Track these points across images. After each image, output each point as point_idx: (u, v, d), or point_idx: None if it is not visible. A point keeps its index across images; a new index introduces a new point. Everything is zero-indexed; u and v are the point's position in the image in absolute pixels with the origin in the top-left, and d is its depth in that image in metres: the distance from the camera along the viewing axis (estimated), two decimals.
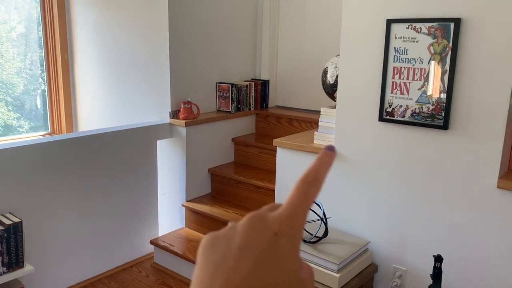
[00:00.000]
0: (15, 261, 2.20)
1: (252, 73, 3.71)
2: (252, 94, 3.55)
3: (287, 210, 0.32)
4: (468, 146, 1.93)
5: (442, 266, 1.87)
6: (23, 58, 3.72)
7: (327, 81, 2.50)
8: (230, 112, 3.36)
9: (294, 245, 0.31)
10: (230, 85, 3.33)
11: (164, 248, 2.91)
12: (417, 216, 2.11)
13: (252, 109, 3.57)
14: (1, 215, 2.26)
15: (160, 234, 3.20)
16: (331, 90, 2.48)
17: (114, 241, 2.93)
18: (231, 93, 3.34)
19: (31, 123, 3.77)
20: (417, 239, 2.13)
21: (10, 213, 2.30)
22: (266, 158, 3.27)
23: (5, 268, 2.17)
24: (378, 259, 2.27)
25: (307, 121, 3.28)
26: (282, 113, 3.44)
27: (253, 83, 3.55)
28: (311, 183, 0.33)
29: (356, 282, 2.10)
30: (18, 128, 3.70)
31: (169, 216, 3.25)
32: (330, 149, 0.36)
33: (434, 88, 1.98)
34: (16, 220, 2.20)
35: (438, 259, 1.79)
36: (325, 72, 2.53)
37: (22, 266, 2.23)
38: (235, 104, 3.39)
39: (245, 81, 3.59)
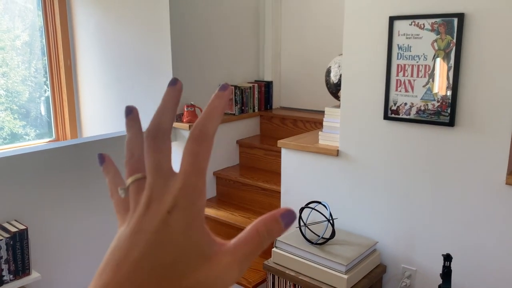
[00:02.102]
0: (22, 269, 2.19)
1: (255, 75, 3.70)
2: (256, 95, 3.53)
3: (179, 181, 0.29)
4: (475, 143, 1.90)
5: (451, 265, 1.84)
6: (28, 66, 3.74)
7: (331, 81, 2.48)
8: (234, 114, 3.35)
9: (191, 218, 0.29)
10: (233, 87, 3.32)
11: None
12: (425, 214, 2.08)
13: (256, 110, 3.55)
14: (7, 222, 2.26)
15: None
16: (335, 89, 2.45)
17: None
18: (235, 95, 3.33)
19: (37, 131, 3.78)
20: (425, 238, 2.10)
21: (15, 220, 2.29)
22: (271, 160, 3.25)
23: (11, 276, 2.16)
24: (386, 260, 2.24)
25: (311, 122, 3.26)
26: (286, 114, 3.42)
27: (257, 84, 3.54)
28: (199, 140, 0.30)
29: (364, 283, 2.08)
30: (24, 136, 3.71)
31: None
32: (223, 88, 0.32)
33: (439, 85, 1.95)
34: (22, 227, 2.20)
35: (448, 258, 1.76)
36: (328, 72, 2.51)
37: (29, 273, 2.23)
38: (239, 106, 3.38)
39: (248, 82, 3.58)
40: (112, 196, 0.35)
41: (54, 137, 3.80)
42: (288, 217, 0.29)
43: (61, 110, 3.79)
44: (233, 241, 0.30)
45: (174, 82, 0.33)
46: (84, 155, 2.65)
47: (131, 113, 0.36)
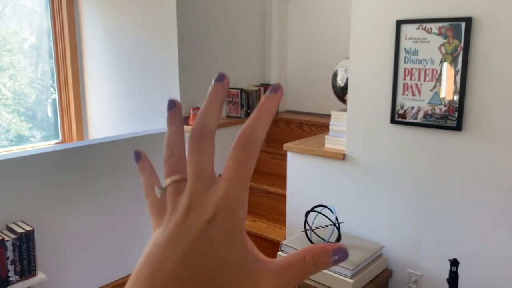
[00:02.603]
0: (28, 270, 2.20)
1: (261, 78, 3.70)
2: (262, 99, 3.53)
3: (221, 189, 0.28)
4: (482, 147, 1.89)
5: (458, 270, 1.82)
6: (35, 68, 3.76)
7: (337, 84, 2.48)
8: (239, 117, 3.35)
9: (231, 229, 0.27)
10: (239, 90, 3.32)
11: None
12: (432, 219, 2.07)
13: None
14: (13, 223, 2.26)
15: None
16: (341, 93, 2.45)
17: (126, 249, 2.93)
18: (241, 98, 3.33)
19: (43, 133, 3.80)
20: (432, 243, 2.09)
21: (22, 221, 2.30)
22: (276, 163, 3.25)
23: (17, 277, 2.17)
24: (392, 264, 2.23)
25: (317, 125, 3.26)
26: (292, 118, 3.42)
27: (263, 87, 3.54)
28: (246, 148, 0.28)
29: None
30: (31, 138, 3.73)
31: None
32: (274, 89, 0.30)
33: (447, 89, 1.94)
34: (28, 228, 2.20)
35: (454, 263, 1.75)
36: (335, 75, 2.51)
37: (35, 274, 2.23)
38: (244, 109, 3.38)
39: (254, 86, 3.58)
40: (147, 196, 0.34)
41: (60, 139, 3.81)
42: (340, 253, 0.28)
43: (67, 112, 3.81)
44: (278, 262, 0.28)
45: (220, 78, 0.31)
46: (90, 157, 2.66)
47: (173, 107, 0.34)
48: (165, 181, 0.31)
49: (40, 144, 3.70)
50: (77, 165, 2.60)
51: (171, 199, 0.30)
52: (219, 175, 0.29)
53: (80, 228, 2.66)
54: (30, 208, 2.39)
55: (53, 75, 3.77)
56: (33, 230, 2.21)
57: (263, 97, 0.30)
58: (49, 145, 3.66)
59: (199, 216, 0.27)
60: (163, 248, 0.27)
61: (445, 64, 1.94)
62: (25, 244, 2.18)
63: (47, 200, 2.46)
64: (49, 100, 3.83)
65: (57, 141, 3.80)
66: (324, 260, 0.28)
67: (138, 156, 0.37)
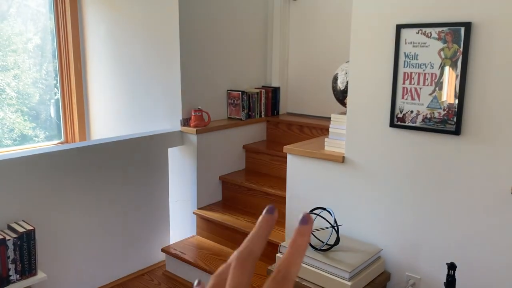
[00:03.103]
0: (28, 269, 2.22)
1: (262, 80, 3.72)
2: (263, 101, 3.55)
3: None
4: (481, 152, 1.89)
5: (456, 274, 1.83)
6: (39, 68, 3.79)
7: (338, 87, 2.49)
8: (241, 119, 3.37)
9: None
10: (240, 92, 3.34)
11: (176, 256, 2.91)
12: (430, 223, 2.08)
13: (263, 116, 3.57)
14: (15, 222, 2.29)
15: (171, 242, 3.21)
16: (341, 96, 2.46)
17: (126, 249, 2.95)
18: (242, 101, 3.35)
19: (47, 133, 3.83)
20: (430, 246, 2.09)
21: (23, 220, 2.32)
22: (277, 165, 3.26)
23: (18, 276, 2.19)
24: (391, 267, 2.24)
25: (318, 128, 3.27)
26: (293, 120, 3.43)
27: (264, 90, 3.56)
28: (281, 283, 0.30)
29: None
30: (34, 138, 3.75)
31: (181, 224, 3.26)
32: (304, 221, 0.33)
33: (446, 93, 1.95)
34: (29, 227, 2.23)
35: (452, 266, 1.76)
36: (335, 79, 2.52)
37: (35, 274, 2.25)
38: (245, 111, 3.40)
39: (255, 88, 3.60)
40: None
41: (63, 139, 3.84)
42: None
43: (70, 112, 3.84)
44: None
45: (271, 211, 0.34)
46: (92, 158, 2.68)
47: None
48: None
49: (43, 144, 3.73)
50: (79, 165, 2.62)
51: None
52: None
53: (81, 228, 2.68)
54: (31, 207, 2.41)
55: (56, 75, 3.80)
56: (34, 230, 2.22)
57: (295, 231, 0.32)
58: (51, 145, 3.68)
59: None
60: None
61: (445, 69, 1.94)
62: (26, 243, 2.20)
63: (48, 200, 2.49)
64: (52, 100, 3.85)
65: (59, 141, 3.83)
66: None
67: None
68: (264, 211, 0.34)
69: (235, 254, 0.33)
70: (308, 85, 3.60)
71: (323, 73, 3.46)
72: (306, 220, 0.32)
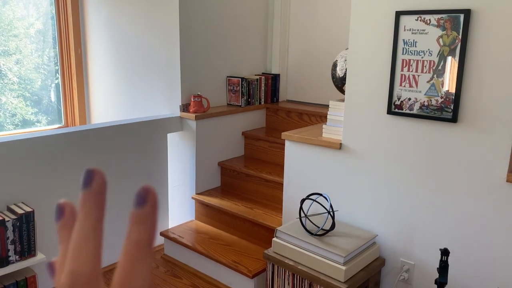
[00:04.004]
0: (27, 250, 2.25)
1: (262, 67, 3.71)
2: (263, 88, 3.55)
3: None
4: (477, 139, 1.90)
5: (449, 260, 1.85)
6: (41, 54, 3.79)
7: (337, 75, 2.49)
8: (240, 106, 3.37)
9: None
10: (240, 79, 3.34)
11: (174, 240, 2.94)
12: (425, 209, 2.10)
13: (263, 103, 3.57)
14: (14, 204, 2.31)
15: (170, 226, 3.24)
16: (340, 83, 2.47)
17: (125, 233, 2.97)
18: (241, 87, 3.35)
19: (48, 118, 3.84)
20: (425, 232, 2.11)
21: (22, 202, 2.35)
22: (276, 152, 3.27)
23: (17, 256, 2.22)
24: (385, 253, 2.26)
25: (317, 115, 3.27)
26: (292, 107, 3.43)
27: (264, 77, 3.55)
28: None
29: (362, 275, 2.10)
30: (36, 123, 3.77)
31: (179, 209, 3.29)
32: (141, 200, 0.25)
33: (443, 81, 1.95)
34: (28, 209, 2.25)
35: (445, 252, 1.78)
36: (334, 66, 2.52)
37: (34, 255, 2.28)
38: (245, 98, 3.40)
39: (255, 75, 3.60)
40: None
41: (63, 123, 3.85)
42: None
43: (70, 97, 3.85)
44: None
45: (86, 185, 0.26)
46: (92, 141, 2.70)
47: (61, 216, 0.28)
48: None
49: (45, 128, 3.75)
50: (78, 149, 2.64)
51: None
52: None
53: None
54: (31, 190, 2.43)
55: (58, 61, 3.80)
56: (33, 212, 2.25)
57: (128, 217, 0.26)
58: (52, 128, 3.70)
59: None
60: None
61: (443, 56, 1.94)
62: (25, 225, 2.23)
63: (48, 182, 2.51)
64: (53, 85, 3.86)
65: (60, 125, 3.84)
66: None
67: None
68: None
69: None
70: (308, 72, 3.60)
71: (324, 60, 3.46)
72: (143, 198, 0.23)
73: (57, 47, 3.76)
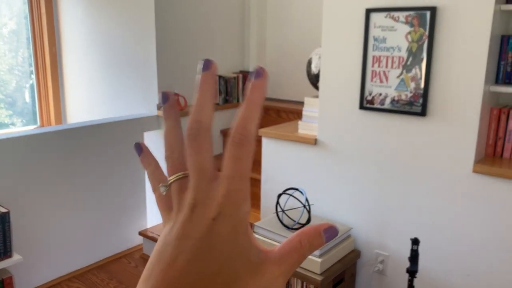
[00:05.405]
0: (3, 251, 2.23)
1: (240, 65, 3.74)
2: (241, 86, 3.58)
3: (222, 187, 0.28)
4: (445, 132, 1.97)
5: (420, 249, 1.91)
6: (15, 55, 3.73)
7: (312, 72, 2.53)
8: (218, 104, 3.39)
9: (236, 225, 0.28)
10: (218, 77, 3.35)
11: (153, 239, 2.94)
12: (397, 201, 2.16)
13: (241, 101, 3.60)
14: None
15: (148, 226, 3.24)
16: (315, 80, 2.51)
17: (103, 233, 2.97)
18: (219, 85, 3.37)
19: (23, 120, 3.79)
20: (397, 224, 2.18)
21: None
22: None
23: None
24: (360, 245, 2.32)
25: (295, 112, 3.31)
26: (270, 105, 3.47)
27: (241, 75, 3.58)
28: (240, 144, 0.28)
29: (338, 267, 2.15)
30: (11, 126, 3.71)
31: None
32: (258, 74, 0.29)
33: (412, 76, 2.01)
34: (4, 210, 2.23)
35: (415, 242, 1.84)
36: (309, 63, 2.57)
37: (10, 256, 2.26)
38: (223, 96, 3.42)
39: (233, 73, 3.62)
40: (154, 190, 0.34)
41: (38, 124, 3.81)
42: (330, 232, 0.29)
43: (45, 97, 3.80)
44: (278, 251, 0.29)
45: (208, 66, 0.30)
46: (68, 141, 2.68)
47: (167, 100, 0.33)
48: (169, 179, 0.32)
49: (19, 129, 3.69)
50: (54, 149, 2.62)
51: (176, 197, 0.31)
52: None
53: (57, 211, 2.68)
54: (6, 190, 2.41)
55: (32, 61, 3.75)
56: (8, 212, 2.23)
57: (248, 85, 0.29)
58: (27, 129, 3.65)
59: (204, 214, 0.28)
60: (172, 247, 0.28)
61: (411, 52, 2.00)
62: (1, 225, 2.21)
63: (23, 183, 2.49)
64: (27, 85, 3.81)
65: (35, 126, 3.80)
66: (318, 240, 0.29)
67: (140, 149, 0.36)
68: (199, 68, 0.30)
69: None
70: (287, 69, 3.64)
71: (301, 58, 3.50)
72: (260, 73, 0.29)
73: (31, 47, 3.71)
